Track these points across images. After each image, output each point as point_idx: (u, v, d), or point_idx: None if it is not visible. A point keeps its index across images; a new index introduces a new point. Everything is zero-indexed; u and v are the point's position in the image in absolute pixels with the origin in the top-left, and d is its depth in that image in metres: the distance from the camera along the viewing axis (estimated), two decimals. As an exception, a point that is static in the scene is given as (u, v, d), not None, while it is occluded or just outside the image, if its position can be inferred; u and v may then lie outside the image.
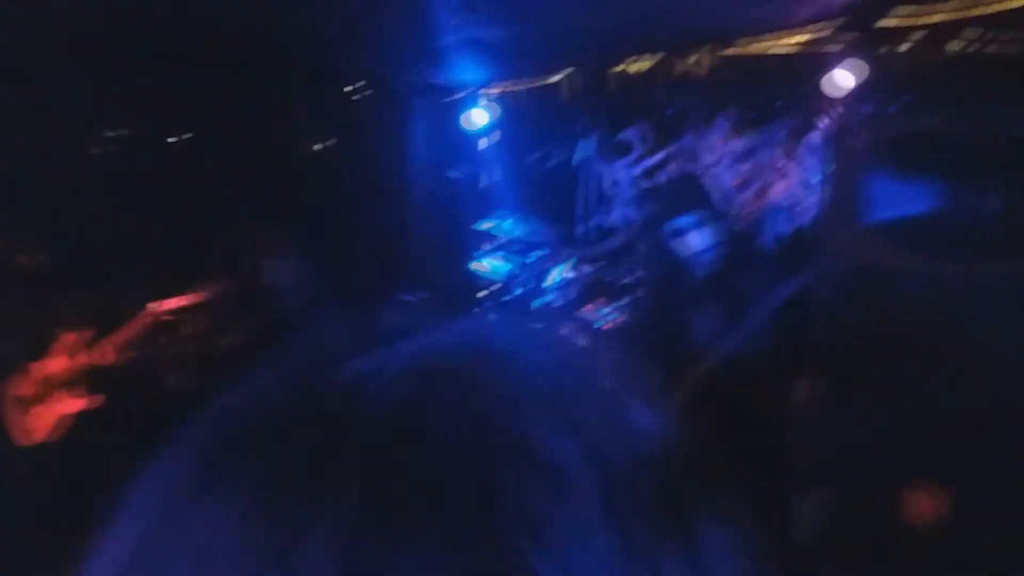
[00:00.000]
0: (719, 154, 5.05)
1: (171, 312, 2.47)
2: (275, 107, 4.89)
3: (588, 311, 4.34)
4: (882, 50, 4.04)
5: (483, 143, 5.43)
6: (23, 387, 3.06)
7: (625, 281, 4.23)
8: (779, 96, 4.73)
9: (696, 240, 2.52)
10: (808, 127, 4.72)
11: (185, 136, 4.57)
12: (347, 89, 5.51)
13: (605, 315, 4.25)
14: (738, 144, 5.00)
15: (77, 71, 3.74)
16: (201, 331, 2.17)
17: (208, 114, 4.46)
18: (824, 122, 4.65)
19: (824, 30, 4.15)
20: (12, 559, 2.32)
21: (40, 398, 2.98)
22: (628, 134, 5.24)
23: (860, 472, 3.22)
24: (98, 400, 2.93)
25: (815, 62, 4.21)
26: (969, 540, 2.85)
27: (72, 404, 2.99)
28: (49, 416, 2.97)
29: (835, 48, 4.17)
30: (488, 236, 4.92)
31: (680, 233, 2.52)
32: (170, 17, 3.73)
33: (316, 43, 4.41)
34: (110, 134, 4.43)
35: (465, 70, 4.99)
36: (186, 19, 3.80)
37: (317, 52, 4.57)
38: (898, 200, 3.03)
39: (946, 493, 2.89)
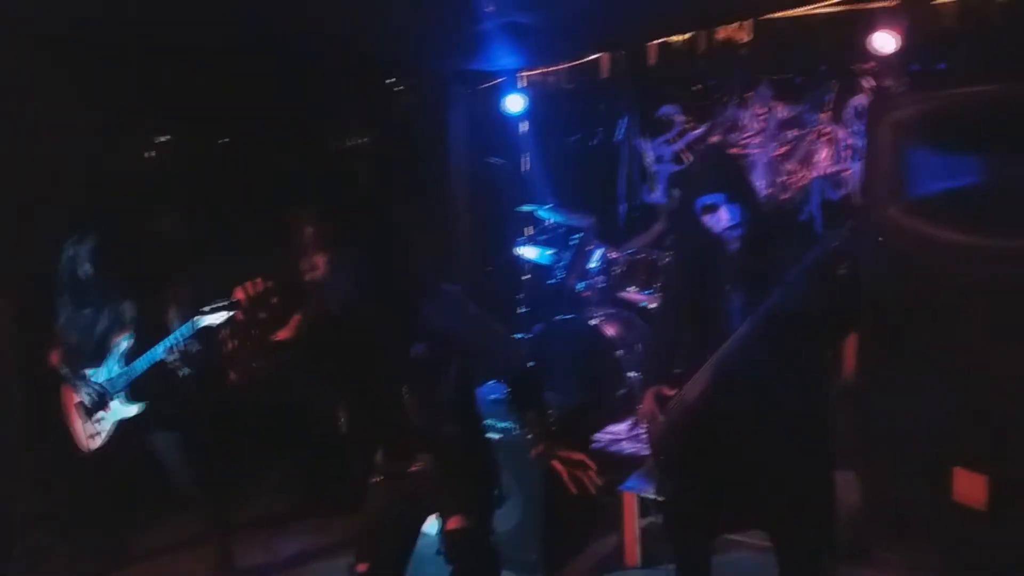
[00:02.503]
0: (762, 123, 4.95)
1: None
2: (322, 102, 4.96)
3: (631, 292, 4.34)
4: (925, 8, 3.90)
5: (522, 127, 5.43)
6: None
7: (666, 260, 4.21)
8: (821, 60, 4.60)
9: (726, 215, 2.36)
10: (852, 90, 4.59)
11: (234, 135, 4.68)
12: (389, 81, 5.56)
13: (647, 295, 4.25)
14: (781, 112, 4.89)
15: (122, 72, 3.83)
16: (255, 326, 2.27)
17: (257, 112, 4.57)
18: (869, 85, 4.52)
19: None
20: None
21: None
22: (667, 109, 5.18)
23: (905, 446, 3.17)
24: None
25: (856, 23, 4.09)
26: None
27: None
28: None
29: (877, 6, 4.04)
30: (531, 220, 4.95)
31: (711, 208, 2.37)
32: (216, 19, 3.80)
33: (360, 36, 4.46)
34: (160, 138, 4.57)
35: (502, 55, 4.99)
36: (232, 21, 3.88)
37: (362, 45, 4.62)
38: (942, 172, 2.94)
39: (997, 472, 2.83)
